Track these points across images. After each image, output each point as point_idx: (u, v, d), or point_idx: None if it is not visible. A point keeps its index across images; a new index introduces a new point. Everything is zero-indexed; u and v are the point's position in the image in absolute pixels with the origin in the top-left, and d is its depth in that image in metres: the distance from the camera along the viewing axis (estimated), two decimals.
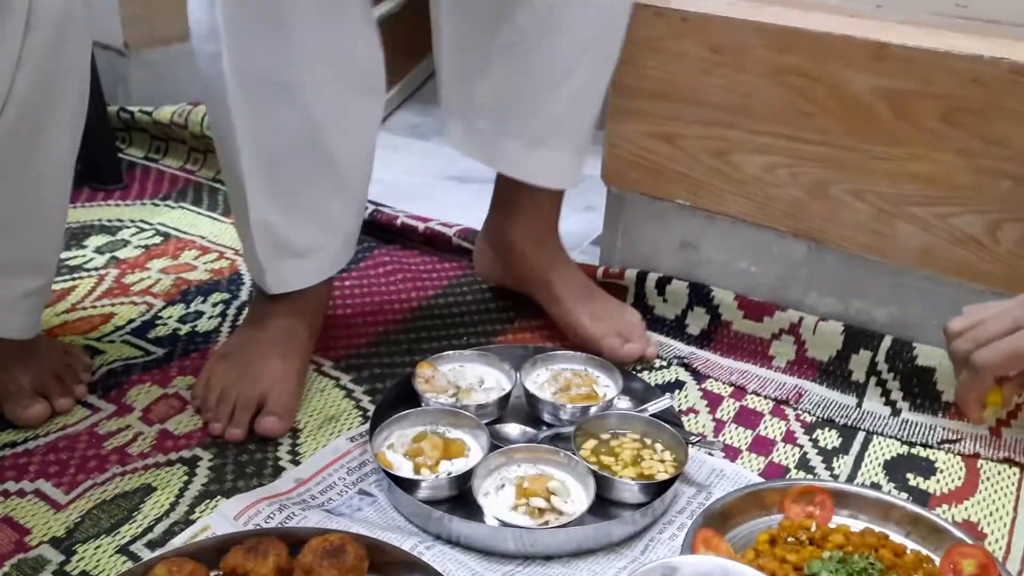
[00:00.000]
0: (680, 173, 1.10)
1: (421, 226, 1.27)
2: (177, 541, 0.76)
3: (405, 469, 0.84)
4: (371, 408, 0.95)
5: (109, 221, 1.34)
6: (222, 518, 0.78)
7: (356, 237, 1.02)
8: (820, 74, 0.98)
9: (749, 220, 1.08)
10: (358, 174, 0.97)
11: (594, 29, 0.97)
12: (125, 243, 1.28)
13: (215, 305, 1.13)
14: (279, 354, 0.93)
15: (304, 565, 0.70)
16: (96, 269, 1.20)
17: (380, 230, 1.30)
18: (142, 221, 1.34)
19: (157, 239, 1.29)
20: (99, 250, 1.25)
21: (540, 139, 1.00)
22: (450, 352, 0.99)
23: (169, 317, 1.10)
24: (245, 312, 1.09)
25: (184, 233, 1.31)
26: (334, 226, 0.97)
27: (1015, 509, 0.87)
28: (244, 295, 1.15)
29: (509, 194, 1.08)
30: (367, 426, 0.91)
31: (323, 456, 0.88)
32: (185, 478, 0.84)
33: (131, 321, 1.08)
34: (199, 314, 1.10)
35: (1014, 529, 0.85)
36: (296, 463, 0.87)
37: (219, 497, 0.81)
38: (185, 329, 1.07)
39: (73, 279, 1.17)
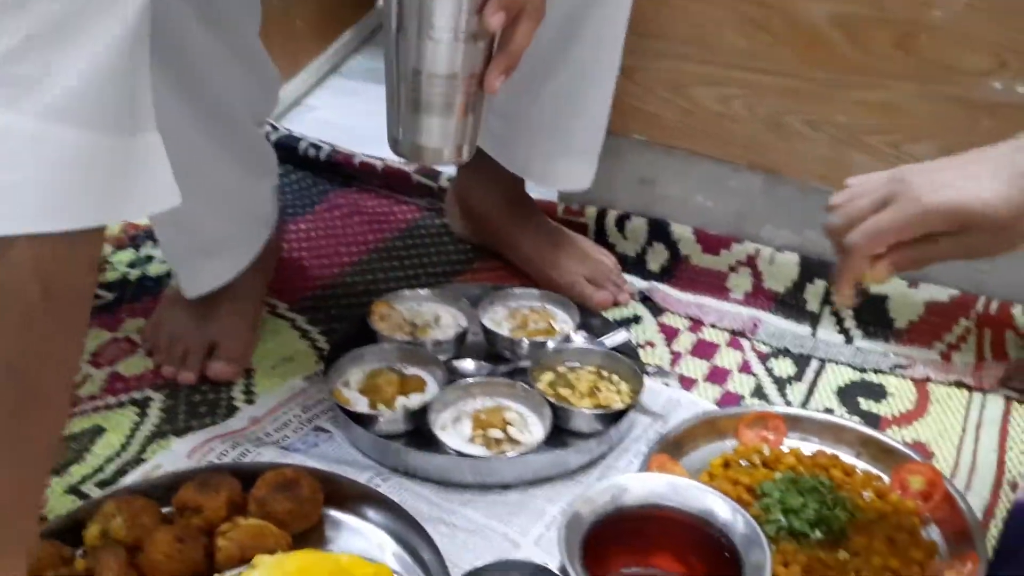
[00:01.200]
0: (637, 108, 1.09)
1: (380, 164, 1.25)
2: (128, 480, 0.75)
3: (361, 405, 0.83)
4: (327, 348, 0.94)
5: None
6: (174, 456, 0.78)
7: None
8: (775, 1, 0.97)
9: (706, 154, 1.08)
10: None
11: (608, 38, 0.96)
12: None
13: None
14: (230, 297, 0.92)
15: (258, 499, 0.70)
16: None
17: (336, 172, 1.28)
18: None
19: None
20: None
21: (555, 151, 1.01)
22: (406, 291, 0.98)
23: (119, 262, 1.07)
24: None
25: None
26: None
27: (963, 429, 0.89)
28: None
29: (478, 157, 1.07)
30: (323, 366, 0.91)
31: (278, 395, 0.88)
32: (136, 419, 0.83)
33: None
34: (149, 259, 1.08)
35: (962, 447, 0.87)
36: (251, 402, 0.87)
37: (171, 436, 0.81)
38: (135, 274, 1.05)
39: None
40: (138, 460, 0.78)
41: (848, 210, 0.66)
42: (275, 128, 1.33)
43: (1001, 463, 0.84)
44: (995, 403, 0.92)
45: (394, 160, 1.26)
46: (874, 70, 0.94)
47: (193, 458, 0.77)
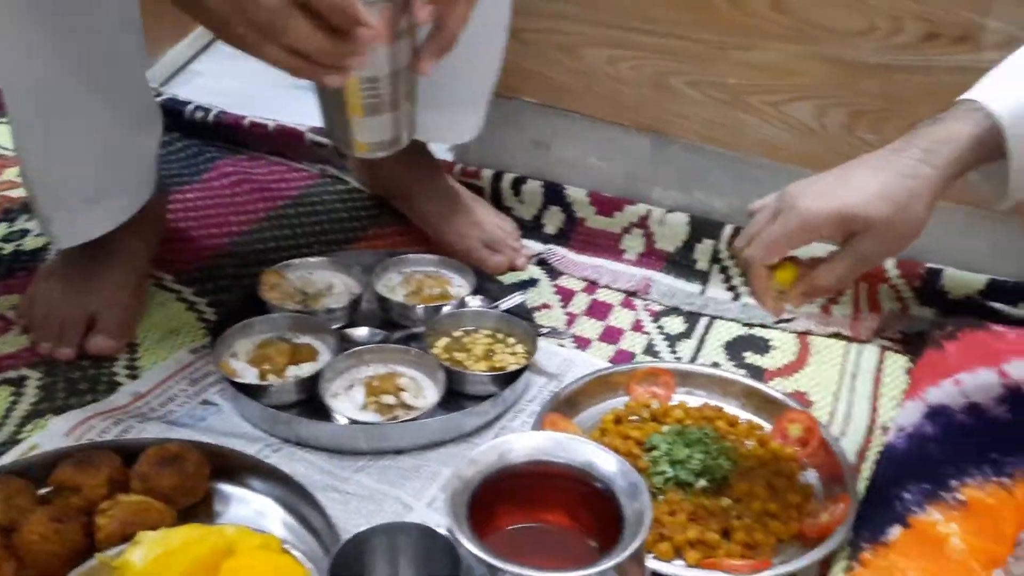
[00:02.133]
0: (528, 70, 1.09)
1: (272, 124, 1.22)
2: (2, 462, 0.72)
3: (250, 376, 0.82)
4: (215, 320, 0.92)
5: None
6: (52, 436, 0.75)
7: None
8: None
9: (596, 116, 1.09)
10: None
11: None
12: None
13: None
14: (110, 269, 0.89)
15: (140, 475, 0.68)
16: None
17: (225, 139, 1.24)
18: None
19: None
20: None
21: (434, 103, 0.97)
22: (296, 260, 0.97)
23: None
24: None
25: (5, 150, 1.22)
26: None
27: (840, 378, 0.93)
28: None
29: None
30: (210, 338, 0.89)
31: (163, 369, 0.85)
32: (11, 399, 0.80)
33: None
34: (24, 232, 1.03)
35: (838, 396, 0.91)
36: (134, 377, 0.84)
37: (49, 416, 0.78)
38: (9, 248, 1.01)
39: None
40: (13, 441, 0.75)
41: (748, 229, 0.69)
42: (159, 94, 1.29)
43: (874, 409, 0.89)
44: (870, 353, 0.97)
45: (286, 119, 1.23)
46: (754, 31, 0.97)
47: (72, 437, 0.75)
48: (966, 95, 0.66)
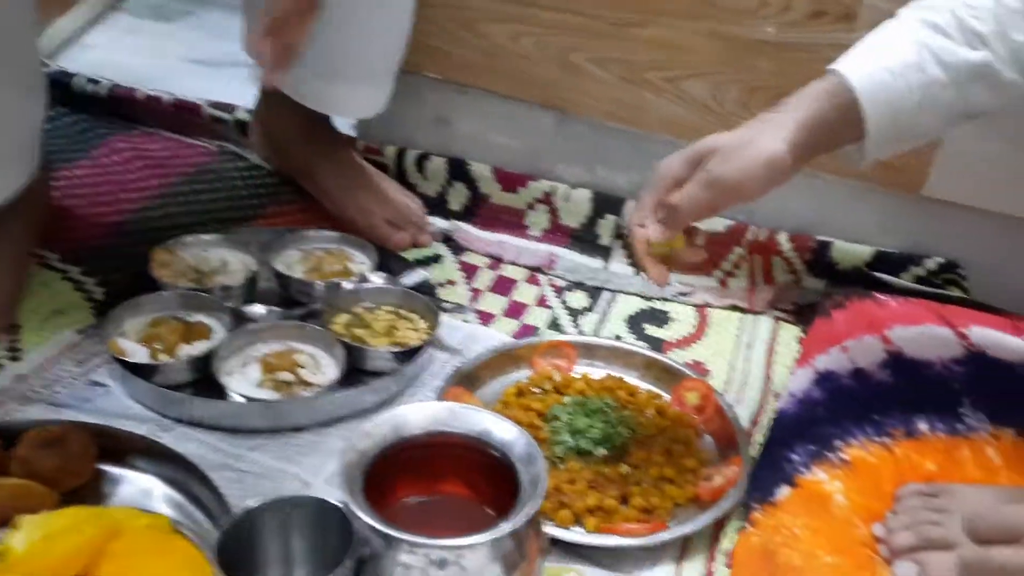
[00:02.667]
0: (430, 45, 1.08)
1: (167, 97, 1.17)
2: None
3: (140, 355, 0.79)
4: (103, 299, 0.88)
5: None
6: None
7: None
8: None
9: (500, 93, 1.09)
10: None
11: None
12: None
13: None
14: None
15: (21, 458, 0.65)
16: None
17: (117, 114, 1.19)
18: None
19: None
20: None
21: (343, 74, 0.96)
22: (190, 237, 0.94)
23: None
24: None
25: None
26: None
27: (736, 348, 0.96)
28: None
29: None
30: (99, 318, 0.85)
31: (47, 350, 0.82)
32: None
33: None
34: None
35: (734, 365, 0.94)
36: (16, 360, 0.80)
37: None
38: None
39: None
40: None
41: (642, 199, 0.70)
42: (45, 65, 1.22)
43: (767, 377, 0.92)
44: (765, 324, 1.00)
45: (184, 93, 1.19)
46: (652, 8, 0.98)
47: None
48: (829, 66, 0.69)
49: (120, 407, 0.77)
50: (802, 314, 1.00)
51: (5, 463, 0.65)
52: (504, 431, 0.62)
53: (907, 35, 0.67)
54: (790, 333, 0.98)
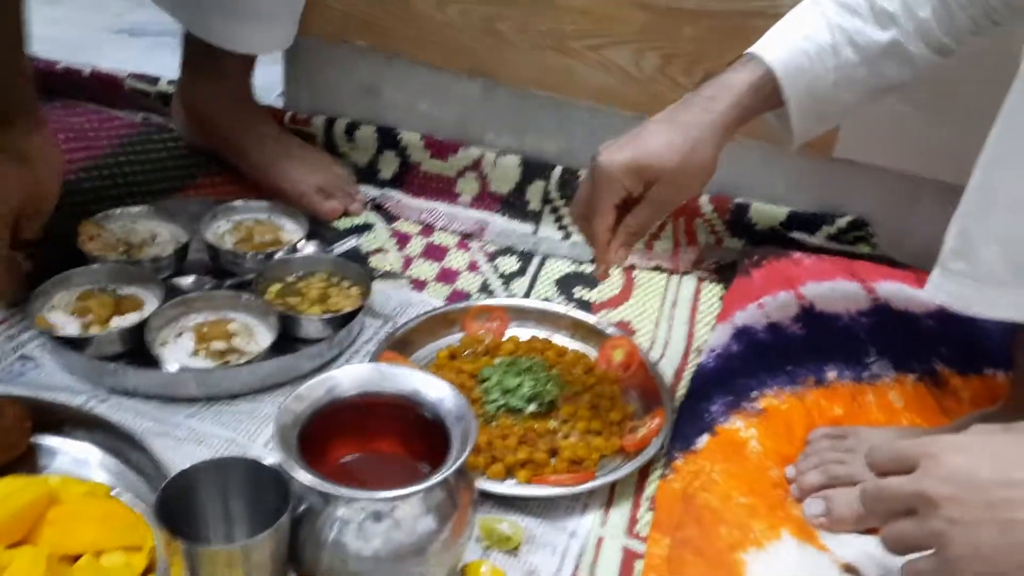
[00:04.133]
0: (357, 15, 1.08)
1: (88, 70, 1.15)
2: None
3: (71, 328, 0.79)
4: (29, 273, 0.87)
5: None
6: None
7: None
8: None
9: (427, 61, 1.10)
10: None
11: None
12: None
13: None
14: None
15: None
16: None
17: (36, 87, 1.16)
18: None
19: None
20: None
21: (246, 11, 0.95)
22: (117, 210, 0.93)
23: None
24: None
25: None
26: None
27: (661, 307, 1.00)
28: None
29: (200, 59, 1.02)
30: (25, 292, 0.84)
31: None
32: None
33: None
34: None
35: (659, 323, 0.97)
36: None
37: None
38: None
39: None
40: None
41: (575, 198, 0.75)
42: None
43: (691, 334, 0.96)
44: (688, 283, 1.04)
45: (103, 66, 1.17)
46: None
47: None
48: (749, 49, 0.72)
49: (53, 381, 0.77)
50: (724, 273, 1.04)
51: None
52: (434, 389, 0.64)
53: (821, 17, 0.71)
54: (713, 292, 1.02)
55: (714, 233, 1.07)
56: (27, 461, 0.68)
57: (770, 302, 0.93)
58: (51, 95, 1.16)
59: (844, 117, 0.75)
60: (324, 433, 0.62)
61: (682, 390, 0.86)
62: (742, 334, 0.90)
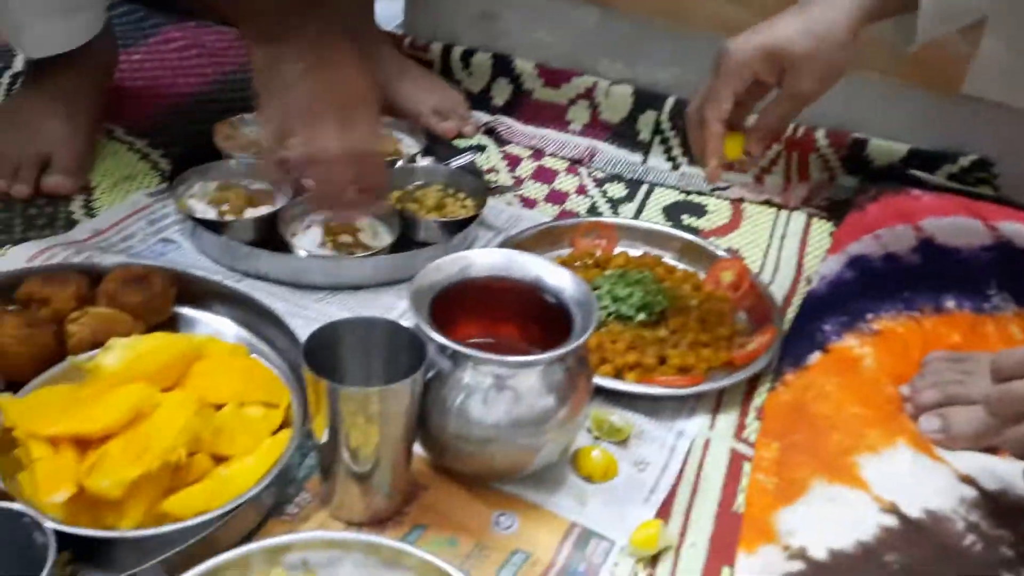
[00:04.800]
0: None
1: None
2: None
3: (210, 214, 0.84)
4: (169, 170, 0.93)
5: None
6: (14, 263, 0.76)
7: None
8: None
9: None
10: None
11: None
12: None
13: None
14: (63, 113, 0.89)
15: (108, 292, 0.70)
16: None
17: (171, 8, 1.22)
18: None
19: None
20: None
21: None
22: (249, 115, 0.98)
23: None
24: (21, 80, 1.01)
25: None
26: None
27: (770, 239, 1.00)
28: (19, 65, 1.06)
29: None
30: (166, 183, 0.90)
31: (120, 209, 0.87)
32: None
33: None
34: None
35: (768, 252, 0.97)
36: (92, 216, 0.85)
37: (8, 246, 0.79)
38: None
39: None
40: None
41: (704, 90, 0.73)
42: None
43: (800, 265, 0.95)
44: (798, 219, 1.03)
45: None
46: None
47: (34, 263, 0.76)
48: None
49: (192, 261, 0.82)
50: (835, 210, 1.03)
51: (93, 298, 0.70)
52: (558, 276, 0.66)
53: None
54: (823, 229, 1.01)
55: (828, 169, 1.06)
56: (170, 327, 0.72)
57: (886, 234, 0.92)
58: (189, 14, 1.22)
59: (969, 18, 0.73)
60: (453, 310, 0.65)
61: (791, 314, 0.86)
62: (856, 262, 0.89)
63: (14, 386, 0.63)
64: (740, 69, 0.69)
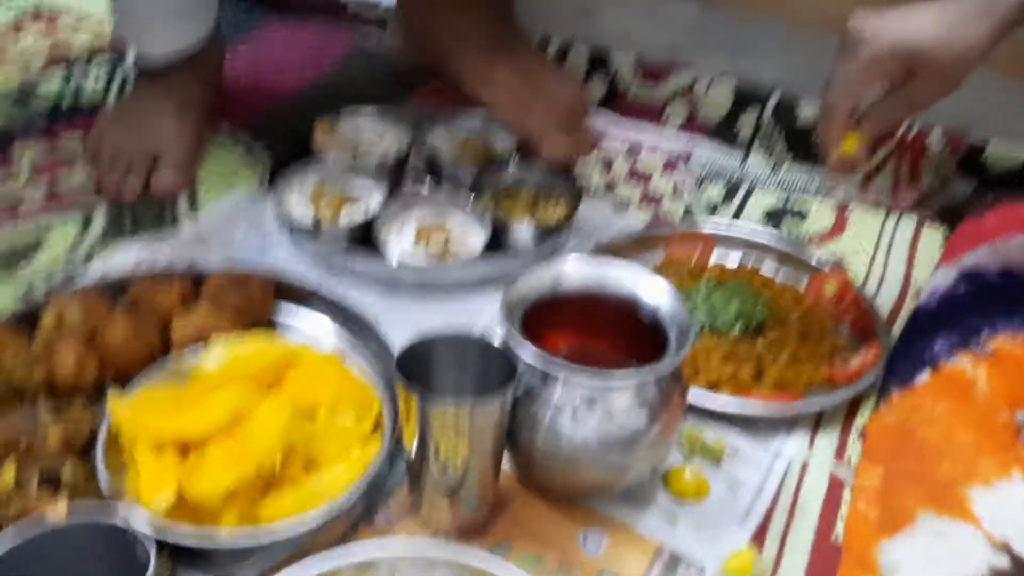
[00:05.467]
0: None
1: None
2: (79, 283, 0.77)
3: (307, 216, 0.85)
4: (271, 165, 0.95)
5: None
6: (122, 260, 0.79)
7: None
8: None
9: None
10: None
11: None
12: None
13: (99, 70, 1.08)
14: (173, 111, 0.92)
15: (209, 295, 0.72)
16: None
17: (271, 4, 1.25)
18: None
19: (30, 7, 1.22)
20: None
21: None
22: (348, 112, 0.99)
23: (51, 84, 1.05)
24: (132, 78, 1.05)
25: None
26: None
27: (876, 246, 0.95)
28: (131, 62, 1.10)
29: None
30: (267, 181, 0.92)
31: (224, 207, 0.89)
32: (83, 227, 0.84)
33: (11, 90, 1.04)
34: (83, 80, 1.06)
35: (873, 262, 0.93)
36: (196, 213, 0.88)
37: (118, 243, 0.82)
38: (69, 94, 1.03)
39: None
40: (86, 264, 0.79)
41: (838, 72, 0.69)
42: None
43: (908, 276, 0.91)
44: (908, 224, 0.98)
45: None
46: None
47: (142, 264, 0.79)
48: None
49: (290, 262, 0.83)
50: (948, 216, 0.97)
51: (196, 299, 0.73)
52: (655, 290, 0.65)
53: None
54: (934, 236, 0.96)
55: (942, 173, 1.00)
56: (269, 329, 0.74)
57: (1004, 245, 0.87)
58: (282, 13, 1.24)
59: None
60: (545, 321, 0.64)
61: (897, 329, 0.82)
62: (971, 276, 0.84)
63: (123, 384, 0.65)
64: (873, 63, 0.65)
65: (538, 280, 0.64)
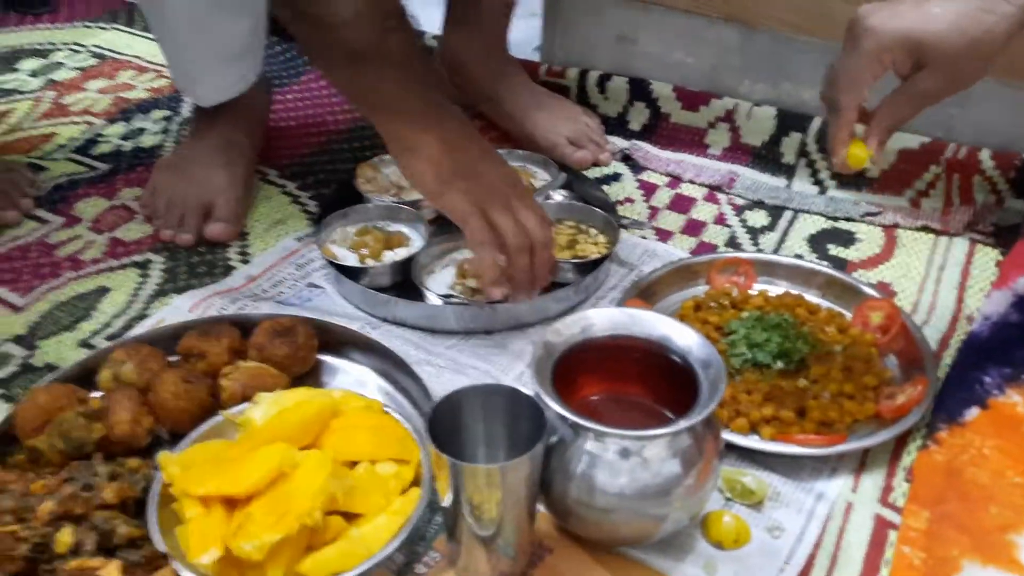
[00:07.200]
0: None
1: None
2: (134, 333, 0.80)
3: (350, 259, 0.88)
4: (316, 211, 0.98)
5: (40, 44, 1.31)
6: (177, 311, 0.82)
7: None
8: None
9: (681, 8, 1.08)
10: None
11: None
12: (59, 65, 1.26)
13: (156, 122, 1.13)
14: (223, 163, 0.95)
15: (257, 345, 0.75)
16: (32, 91, 1.19)
17: None
18: (75, 43, 1.32)
19: (92, 60, 1.27)
20: (33, 73, 1.24)
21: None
22: (388, 156, 1.01)
23: (111, 135, 1.10)
24: (187, 128, 1.09)
25: (119, 54, 1.29)
26: (261, 24, 0.96)
27: (926, 270, 0.93)
28: (186, 111, 1.15)
29: (461, 9, 1.07)
30: (313, 227, 0.95)
31: (272, 255, 0.92)
32: (139, 279, 0.88)
33: (73, 140, 1.09)
34: (141, 131, 1.11)
35: (923, 287, 0.91)
36: (246, 262, 0.91)
37: (173, 294, 0.85)
38: (128, 146, 1.08)
39: (10, 101, 1.17)
40: (143, 316, 0.83)
41: (835, 74, 0.68)
42: None
43: (960, 300, 0.89)
44: (960, 246, 0.96)
45: None
46: None
47: (194, 313, 0.82)
48: None
49: (334, 307, 0.86)
50: (1002, 236, 0.95)
51: (244, 349, 0.75)
52: (684, 336, 0.65)
53: None
54: (988, 256, 0.94)
55: (994, 191, 0.98)
56: (312, 376, 0.77)
57: None
58: None
59: None
60: (576, 370, 0.65)
61: (948, 359, 0.80)
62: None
63: (175, 437, 0.68)
64: (880, 54, 0.63)
65: (566, 330, 0.64)
